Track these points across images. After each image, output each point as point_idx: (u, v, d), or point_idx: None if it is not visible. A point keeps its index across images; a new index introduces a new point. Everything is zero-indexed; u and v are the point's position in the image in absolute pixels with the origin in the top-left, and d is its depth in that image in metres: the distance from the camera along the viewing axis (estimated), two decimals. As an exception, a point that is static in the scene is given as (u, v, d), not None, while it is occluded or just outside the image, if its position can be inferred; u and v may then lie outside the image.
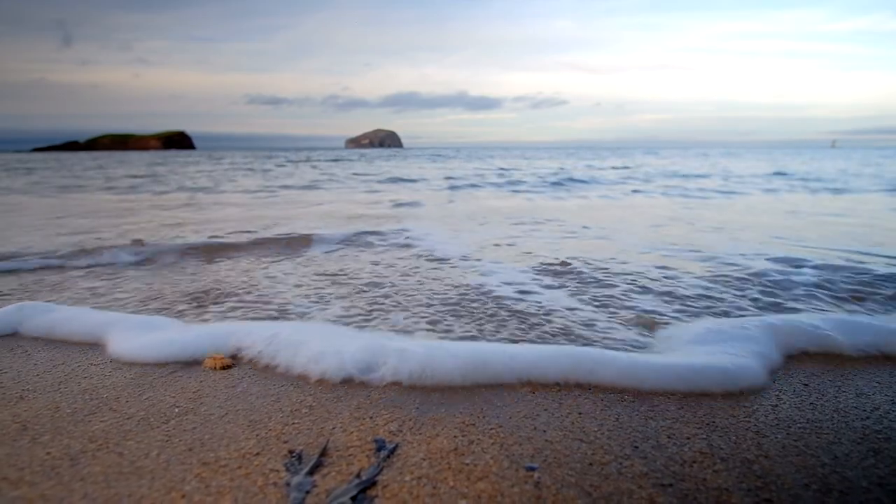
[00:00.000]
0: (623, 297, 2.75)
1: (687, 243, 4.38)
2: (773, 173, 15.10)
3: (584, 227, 5.39)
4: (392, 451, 1.33)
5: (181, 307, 2.64)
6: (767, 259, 3.64)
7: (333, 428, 1.43)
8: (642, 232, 5.02)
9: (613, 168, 18.68)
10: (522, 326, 2.30)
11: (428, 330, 2.25)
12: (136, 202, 8.54)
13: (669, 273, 3.27)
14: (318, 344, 1.91)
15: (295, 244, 4.32)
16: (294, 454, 1.31)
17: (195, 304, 2.68)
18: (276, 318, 2.44)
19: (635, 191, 10.36)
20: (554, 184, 11.94)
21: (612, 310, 2.56)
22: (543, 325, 2.33)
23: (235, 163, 27.01)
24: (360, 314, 2.49)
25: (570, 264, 3.46)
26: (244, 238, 4.56)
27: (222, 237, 4.63)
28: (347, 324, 2.35)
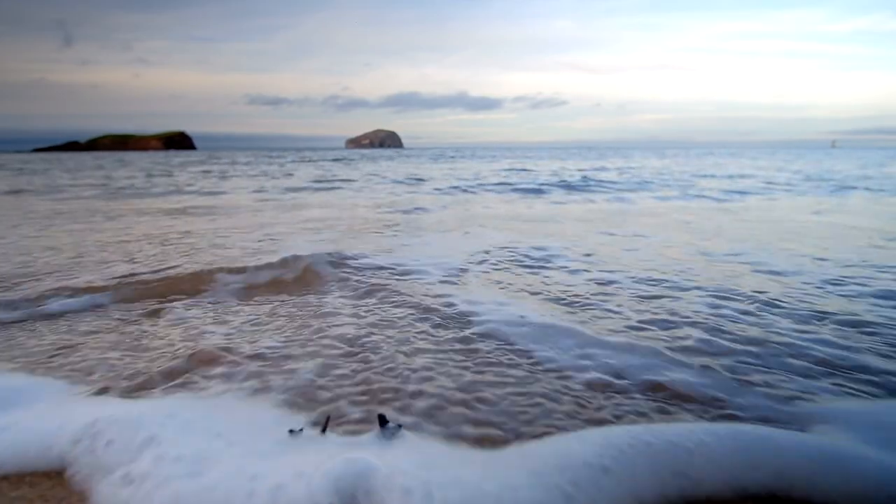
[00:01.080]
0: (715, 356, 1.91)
1: (757, 261, 3.46)
2: (805, 176, 13.95)
3: (630, 238, 4.48)
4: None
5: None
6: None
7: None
8: (708, 246, 4.06)
9: (636, 168, 18.20)
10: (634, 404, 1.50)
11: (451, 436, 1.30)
12: (83, 211, 7.16)
13: (770, 318, 2.35)
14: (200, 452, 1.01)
15: (220, 287, 2.93)
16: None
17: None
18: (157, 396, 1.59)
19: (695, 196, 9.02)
20: (571, 186, 10.94)
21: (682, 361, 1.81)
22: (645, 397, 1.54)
23: (236, 162, 26.90)
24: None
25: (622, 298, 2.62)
26: (169, 273, 3.21)
27: (139, 273, 3.22)
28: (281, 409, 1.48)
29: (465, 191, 10.42)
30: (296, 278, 3.16)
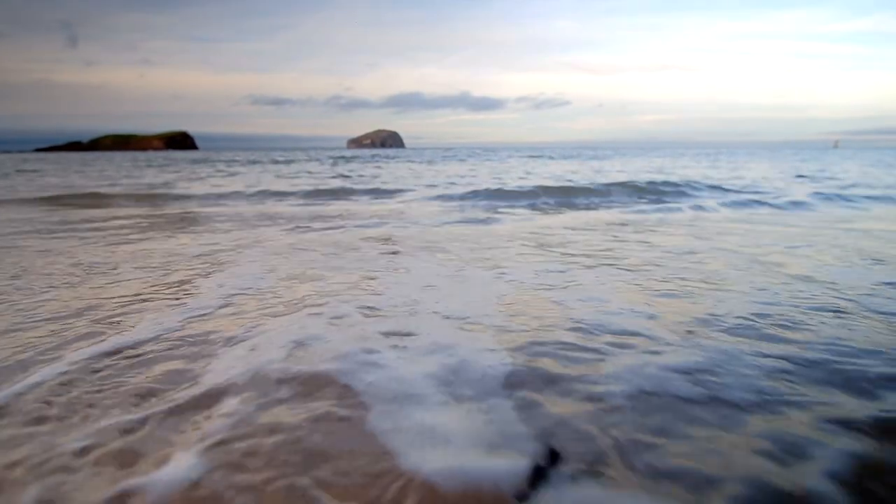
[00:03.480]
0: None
1: None
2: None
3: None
4: None
5: None
6: None
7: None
8: None
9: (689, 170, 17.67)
10: None
11: None
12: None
13: None
14: None
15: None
16: None
17: None
18: None
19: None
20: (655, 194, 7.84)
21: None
22: None
23: (237, 161, 26.90)
24: None
25: None
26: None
27: None
28: None
29: (506, 207, 7.18)
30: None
